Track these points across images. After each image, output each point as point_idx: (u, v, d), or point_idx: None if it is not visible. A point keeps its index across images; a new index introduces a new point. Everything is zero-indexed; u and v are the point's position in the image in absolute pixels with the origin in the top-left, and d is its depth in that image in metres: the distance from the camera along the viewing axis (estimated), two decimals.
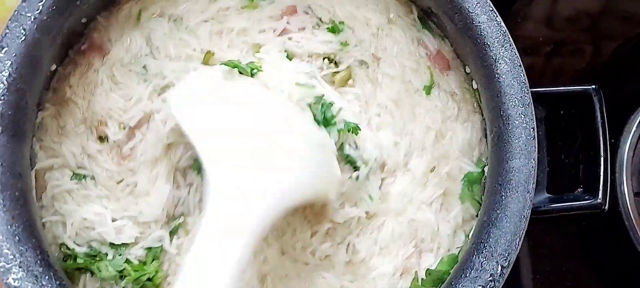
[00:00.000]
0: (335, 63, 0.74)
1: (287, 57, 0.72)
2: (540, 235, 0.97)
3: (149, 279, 0.65)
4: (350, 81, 0.73)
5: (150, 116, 0.70)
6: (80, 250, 0.66)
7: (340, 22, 0.74)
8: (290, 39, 0.73)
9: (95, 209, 0.67)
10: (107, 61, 0.72)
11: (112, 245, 0.66)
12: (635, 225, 0.90)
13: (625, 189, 0.91)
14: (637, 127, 0.94)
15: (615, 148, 0.94)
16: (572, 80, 1.04)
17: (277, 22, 0.74)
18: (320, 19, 0.75)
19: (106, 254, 0.66)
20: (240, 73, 0.67)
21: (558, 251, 0.97)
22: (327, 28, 0.74)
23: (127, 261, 0.66)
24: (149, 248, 0.66)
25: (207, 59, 0.73)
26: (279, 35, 0.73)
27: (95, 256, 0.66)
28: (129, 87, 0.71)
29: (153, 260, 0.66)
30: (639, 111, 0.96)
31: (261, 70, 0.69)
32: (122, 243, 0.66)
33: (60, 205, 0.67)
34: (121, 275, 0.66)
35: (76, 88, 0.71)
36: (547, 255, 0.97)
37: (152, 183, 0.67)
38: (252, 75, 0.68)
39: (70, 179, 0.68)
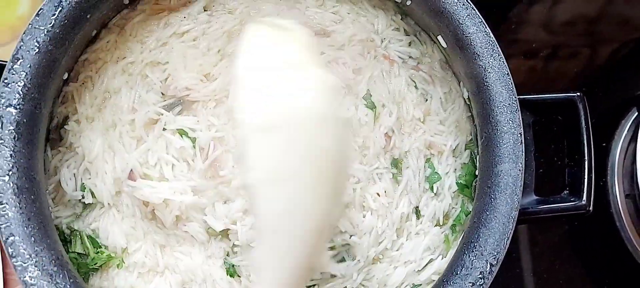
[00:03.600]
0: None
1: None
2: (534, 235, 1.00)
3: None
4: None
5: (157, 121, 0.73)
6: None
7: None
8: None
9: None
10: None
11: None
12: (626, 226, 0.93)
13: (617, 191, 0.94)
14: (627, 130, 0.97)
15: (606, 151, 0.97)
16: (570, 82, 1.06)
17: None
18: None
19: None
20: None
21: (551, 250, 1.00)
22: None
23: None
24: None
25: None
26: None
27: None
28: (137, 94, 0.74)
29: None
30: (629, 115, 0.98)
31: None
32: None
33: None
34: None
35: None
36: (541, 254, 0.99)
37: None
38: None
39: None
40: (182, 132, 0.72)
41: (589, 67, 1.07)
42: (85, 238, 0.71)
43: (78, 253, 0.70)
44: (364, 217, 0.72)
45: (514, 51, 1.07)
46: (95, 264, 0.69)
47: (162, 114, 0.72)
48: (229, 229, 0.69)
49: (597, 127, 0.98)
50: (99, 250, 0.70)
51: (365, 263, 0.71)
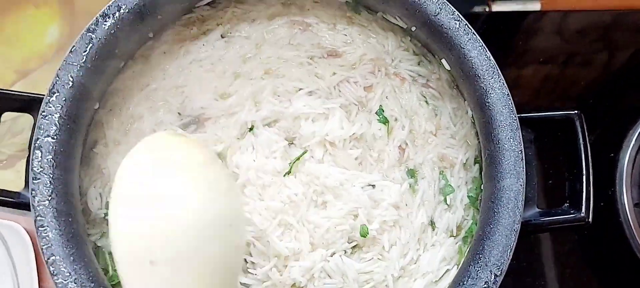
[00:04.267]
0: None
1: None
2: (545, 245, 1.02)
3: None
4: None
5: None
6: None
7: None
8: None
9: None
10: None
11: None
12: (636, 235, 0.94)
13: (625, 200, 0.96)
14: (635, 140, 0.98)
15: (615, 161, 0.98)
16: (584, 90, 1.07)
17: None
18: None
19: None
20: None
21: (562, 259, 1.01)
22: None
23: None
24: None
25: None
26: None
27: None
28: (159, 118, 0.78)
29: None
30: (637, 125, 0.99)
31: None
32: None
33: None
34: None
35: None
36: (552, 264, 1.01)
37: None
38: None
39: None
40: None
41: (603, 74, 1.08)
42: (107, 254, 0.74)
43: (102, 268, 0.72)
44: (387, 231, 0.74)
45: (529, 59, 1.09)
46: (113, 281, 0.72)
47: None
48: None
49: (606, 136, 1.01)
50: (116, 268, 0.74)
51: (394, 279, 0.73)
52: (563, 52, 1.07)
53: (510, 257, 0.66)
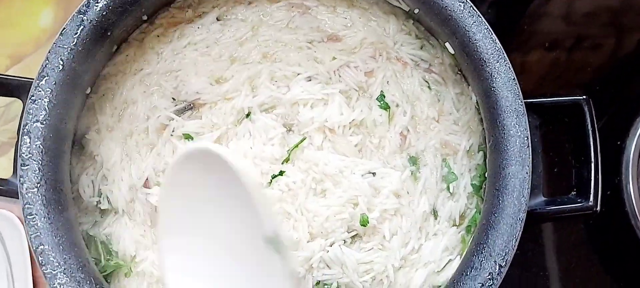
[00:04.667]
0: None
1: None
2: (551, 234, 1.00)
3: None
4: None
5: (166, 127, 0.75)
6: None
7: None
8: None
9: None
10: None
11: None
12: None
13: (631, 190, 0.93)
14: None
15: (621, 149, 0.96)
16: (593, 74, 1.05)
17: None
18: None
19: None
20: None
21: (568, 249, 1.00)
22: None
23: None
24: None
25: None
26: None
27: None
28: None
29: None
30: None
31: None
32: None
33: None
34: None
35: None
36: (558, 253, 0.99)
37: None
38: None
39: None
40: (187, 136, 0.74)
41: (612, 59, 1.06)
42: (99, 244, 0.73)
43: (93, 257, 0.72)
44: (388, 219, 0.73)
45: (534, 44, 1.06)
46: (105, 271, 0.71)
47: (172, 119, 0.75)
48: None
49: (613, 124, 0.99)
50: (109, 257, 0.72)
51: (394, 269, 0.72)
52: (570, 37, 1.05)
53: (516, 247, 0.65)
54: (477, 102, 0.76)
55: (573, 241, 1.00)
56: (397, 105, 0.77)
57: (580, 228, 1.00)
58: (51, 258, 0.63)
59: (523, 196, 0.65)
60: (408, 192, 0.75)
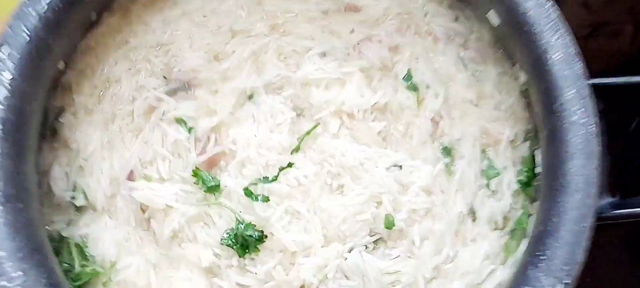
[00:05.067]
0: None
1: None
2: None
3: None
4: None
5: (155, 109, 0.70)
6: None
7: None
8: None
9: None
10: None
11: None
12: None
13: None
14: None
15: None
16: (612, 61, 0.99)
17: None
18: None
19: None
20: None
21: (608, 253, 0.91)
22: None
23: None
24: None
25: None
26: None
27: None
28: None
29: None
30: None
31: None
32: None
33: None
34: None
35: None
36: (596, 257, 0.93)
37: None
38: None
39: None
40: (180, 121, 0.70)
41: (633, 45, 1.00)
42: (73, 247, 0.68)
43: (65, 263, 0.68)
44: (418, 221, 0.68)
45: None
46: (78, 280, 0.66)
47: (162, 100, 0.70)
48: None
49: None
50: (84, 263, 0.67)
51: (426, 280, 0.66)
52: (588, 25, 0.99)
53: (583, 260, 0.57)
54: (523, 84, 0.70)
55: (614, 245, 0.93)
56: (428, 87, 0.72)
57: (620, 234, 0.93)
58: (7, 268, 0.56)
59: (589, 197, 0.58)
60: (441, 190, 0.69)
